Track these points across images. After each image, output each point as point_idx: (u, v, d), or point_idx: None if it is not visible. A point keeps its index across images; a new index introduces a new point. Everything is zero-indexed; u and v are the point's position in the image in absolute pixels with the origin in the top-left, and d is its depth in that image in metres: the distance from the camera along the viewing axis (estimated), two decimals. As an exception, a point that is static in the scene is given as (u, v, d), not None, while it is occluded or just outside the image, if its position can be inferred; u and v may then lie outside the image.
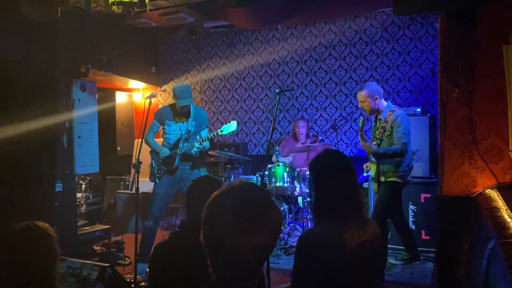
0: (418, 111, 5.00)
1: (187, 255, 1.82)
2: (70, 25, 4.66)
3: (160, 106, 6.60)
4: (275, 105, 3.30)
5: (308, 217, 5.05)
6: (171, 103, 4.52)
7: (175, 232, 2.04)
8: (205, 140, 4.19)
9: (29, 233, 1.71)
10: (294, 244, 4.96)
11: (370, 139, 4.05)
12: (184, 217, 5.39)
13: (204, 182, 2.15)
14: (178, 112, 4.33)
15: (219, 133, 4.14)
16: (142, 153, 3.87)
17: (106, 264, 3.21)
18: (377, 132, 3.98)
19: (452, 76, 2.93)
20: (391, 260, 4.37)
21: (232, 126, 4.11)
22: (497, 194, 2.60)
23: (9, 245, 1.65)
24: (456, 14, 2.91)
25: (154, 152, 4.39)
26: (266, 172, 5.04)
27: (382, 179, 3.99)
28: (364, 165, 4.35)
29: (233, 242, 1.13)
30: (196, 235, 1.85)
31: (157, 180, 4.34)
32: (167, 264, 1.89)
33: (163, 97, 7.23)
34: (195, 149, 4.15)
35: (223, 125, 4.23)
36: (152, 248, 2.09)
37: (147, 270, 4.21)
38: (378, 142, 3.93)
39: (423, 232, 4.62)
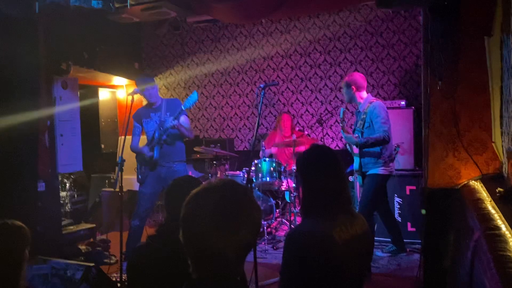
0: (403, 104, 5.03)
1: (166, 258, 1.78)
2: (50, 22, 4.56)
3: (144, 102, 6.54)
4: (261, 99, 3.28)
5: (295, 212, 5.06)
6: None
7: (152, 236, 1.99)
8: (177, 117, 4.09)
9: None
10: (282, 239, 4.99)
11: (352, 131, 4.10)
12: (163, 219, 5.36)
13: (183, 183, 2.07)
14: (152, 108, 4.37)
15: (184, 108, 4.07)
16: (126, 150, 3.82)
17: (91, 264, 3.17)
18: (357, 124, 4.03)
19: (435, 69, 2.94)
20: (377, 253, 4.41)
21: (193, 97, 4.05)
22: (481, 186, 2.62)
23: None
24: (438, 7, 2.91)
25: (139, 155, 4.38)
26: (253, 168, 5.03)
27: (365, 171, 4.03)
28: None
29: (212, 240, 1.11)
30: (175, 236, 1.82)
31: (143, 181, 4.32)
32: (145, 268, 1.85)
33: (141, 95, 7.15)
34: (169, 124, 4.08)
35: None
36: (130, 252, 2.05)
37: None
38: (360, 135, 3.97)
39: (409, 224, 4.67)
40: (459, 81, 2.92)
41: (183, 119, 4.22)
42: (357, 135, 3.96)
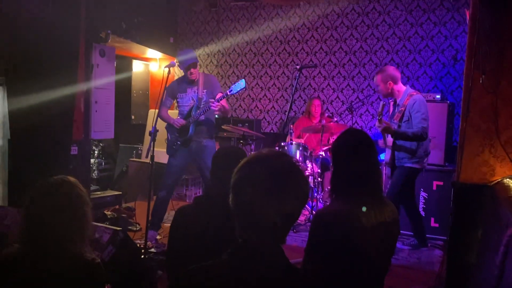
0: (438, 98, 4.92)
1: (210, 218, 1.85)
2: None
3: (176, 77, 6.59)
4: (295, 80, 3.27)
5: (318, 197, 5.06)
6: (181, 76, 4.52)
7: (198, 196, 2.09)
8: (220, 100, 4.13)
9: (66, 184, 1.80)
10: (302, 222, 5.01)
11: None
12: (208, 183, 5.45)
13: (230, 150, 2.23)
14: (188, 82, 4.34)
15: (229, 94, 4.09)
16: (158, 122, 3.88)
17: (118, 228, 3.25)
18: (394, 116, 3.94)
19: (479, 62, 2.87)
20: (398, 245, 4.38)
21: (240, 84, 4.04)
22: (516, 184, 2.57)
23: (50, 193, 1.75)
24: (489, -2, 2.82)
25: (169, 125, 4.41)
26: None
27: (398, 165, 3.97)
28: None
29: (260, 208, 1.14)
30: (219, 200, 1.87)
31: (173, 153, 4.37)
32: (189, 226, 1.91)
33: (180, 69, 7.20)
34: (210, 107, 4.10)
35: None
36: (175, 212, 2.13)
37: (157, 237, 4.27)
38: (396, 127, 3.89)
39: (432, 219, 4.62)
40: (503, 76, 2.84)
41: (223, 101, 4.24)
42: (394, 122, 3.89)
